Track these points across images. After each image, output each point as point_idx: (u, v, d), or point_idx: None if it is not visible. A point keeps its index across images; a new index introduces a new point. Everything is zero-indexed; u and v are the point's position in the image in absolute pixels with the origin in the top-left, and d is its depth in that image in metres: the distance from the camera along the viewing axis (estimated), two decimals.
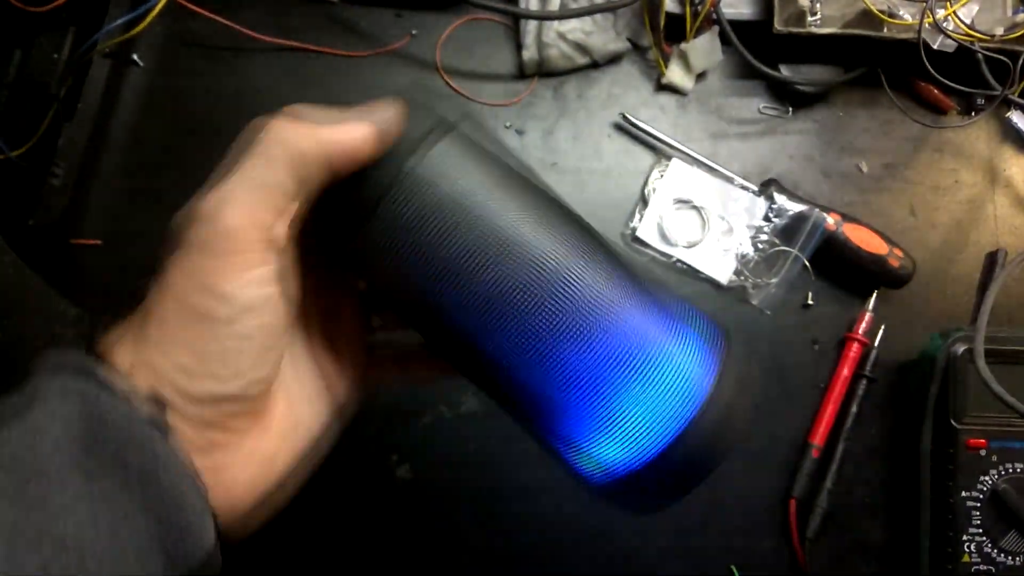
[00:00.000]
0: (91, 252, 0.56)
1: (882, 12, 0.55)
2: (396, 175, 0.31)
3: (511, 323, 0.31)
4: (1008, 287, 0.60)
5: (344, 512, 0.55)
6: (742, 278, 0.58)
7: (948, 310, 0.60)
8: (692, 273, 0.58)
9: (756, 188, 0.59)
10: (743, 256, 0.58)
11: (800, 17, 0.56)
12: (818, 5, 0.56)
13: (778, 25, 0.56)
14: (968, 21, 0.56)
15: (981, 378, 0.47)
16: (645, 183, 0.59)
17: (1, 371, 0.43)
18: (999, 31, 0.56)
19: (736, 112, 0.61)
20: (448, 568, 0.55)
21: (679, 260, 0.58)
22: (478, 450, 0.56)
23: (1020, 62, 0.56)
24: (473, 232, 0.31)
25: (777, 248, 0.58)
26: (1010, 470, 0.53)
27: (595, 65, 0.60)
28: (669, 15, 0.57)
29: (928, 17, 0.54)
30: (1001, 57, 0.56)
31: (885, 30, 0.56)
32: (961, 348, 0.53)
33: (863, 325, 0.58)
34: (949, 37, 0.55)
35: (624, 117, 0.59)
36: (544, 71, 0.59)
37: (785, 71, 0.60)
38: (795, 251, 0.58)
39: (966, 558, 0.53)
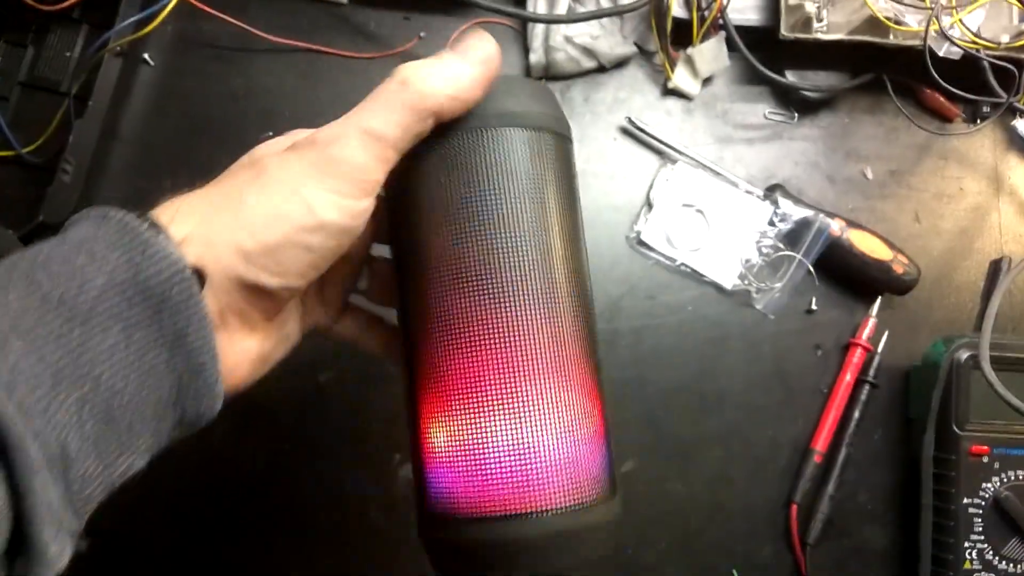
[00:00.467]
0: None
1: (888, 19, 0.55)
2: (488, 125, 0.33)
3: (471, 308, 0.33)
4: (1012, 295, 0.61)
5: (346, 511, 0.55)
6: (746, 282, 0.58)
7: (951, 317, 0.60)
8: (696, 277, 0.59)
9: (761, 193, 0.59)
10: (747, 260, 0.59)
11: (806, 23, 0.56)
12: (824, 11, 0.56)
13: (784, 31, 0.57)
14: (974, 29, 0.56)
15: (987, 381, 0.47)
16: (650, 187, 0.59)
17: None
18: (1005, 39, 0.56)
19: (742, 117, 0.61)
20: None
21: (683, 264, 0.58)
22: None
23: None
24: (504, 220, 0.33)
25: (781, 253, 0.58)
26: (1012, 477, 0.53)
27: (602, 69, 0.60)
28: (676, 20, 0.58)
29: (934, 24, 0.54)
30: (1007, 65, 0.56)
31: (891, 37, 0.56)
32: (965, 355, 0.53)
33: (866, 331, 0.58)
34: (955, 44, 0.55)
35: (630, 121, 0.59)
36: (551, 74, 0.60)
37: (791, 77, 0.60)
38: (799, 256, 0.58)
39: (967, 565, 0.53)
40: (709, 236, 0.59)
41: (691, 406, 0.58)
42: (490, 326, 0.32)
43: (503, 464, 0.31)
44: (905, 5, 0.55)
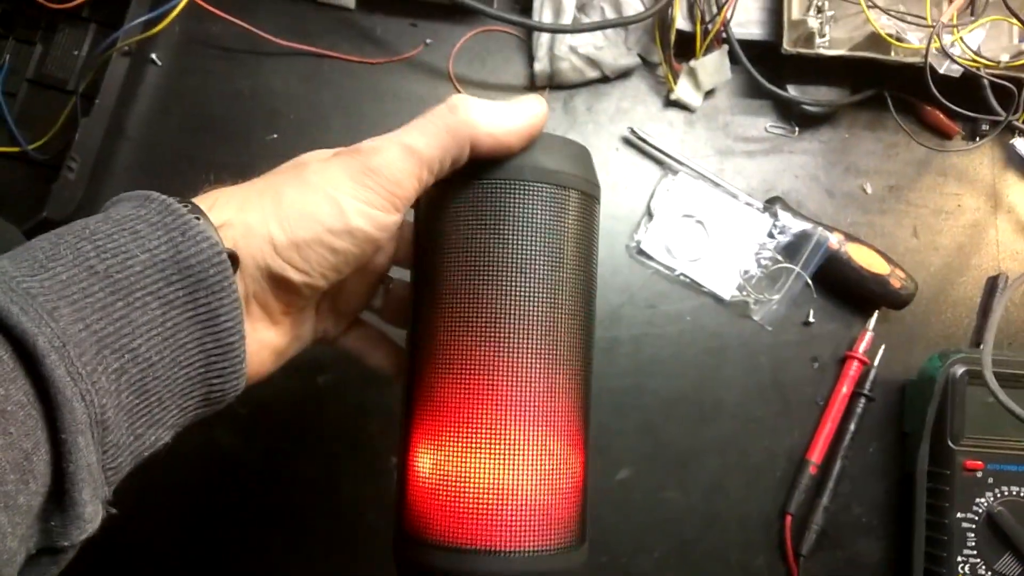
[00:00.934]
0: None
1: (890, 36, 0.56)
2: (521, 178, 0.35)
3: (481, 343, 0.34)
4: (1009, 311, 0.61)
5: (343, 512, 0.55)
6: (744, 293, 0.59)
7: (948, 332, 0.61)
8: (695, 287, 0.59)
9: (761, 205, 0.59)
10: (746, 272, 0.59)
11: (809, 38, 0.57)
12: (827, 27, 0.57)
13: (787, 46, 0.57)
14: (975, 47, 0.56)
15: (991, 391, 0.47)
16: (651, 197, 0.60)
17: None
18: (1005, 58, 0.57)
19: (743, 130, 0.62)
20: None
21: (683, 274, 0.59)
22: None
23: None
24: (516, 268, 0.34)
25: (780, 265, 0.59)
26: (1006, 492, 0.53)
27: (605, 79, 0.60)
28: (680, 32, 0.58)
29: (935, 42, 0.54)
30: (1006, 83, 0.57)
31: (892, 53, 0.57)
32: (960, 370, 0.54)
33: (863, 344, 0.59)
34: (955, 62, 0.55)
35: (632, 131, 0.60)
36: (555, 83, 0.60)
37: (793, 91, 0.61)
38: (798, 268, 0.58)
39: None
40: (709, 247, 0.59)
41: (688, 415, 0.58)
42: (488, 367, 0.34)
43: (480, 500, 0.33)
44: (907, 23, 0.56)
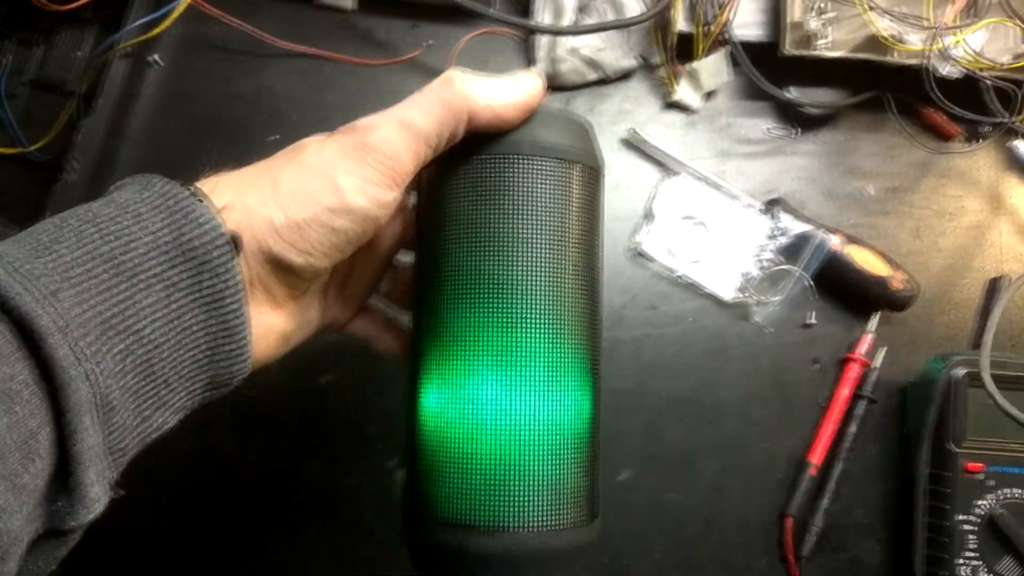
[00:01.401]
0: None
1: (890, 38, 0.55)
2: (520, 152, 0.34)
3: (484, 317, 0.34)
4: (1010, 313, 0.61)
5: (343, 512, 0.55)
6: (745, 295, 0.59)
7: (949, 334, 0.60)
8: (695, 289, 0.59)
9: (761, 207, 0.59)
10: (746, 273, 0.59)
11: (809, 40, 0.57)
12: (827, 29, 0.57)
13: (787, 47, 0.57)
14: (975, 49, 0.56)
15: (988, 394, 0.47)
16: (652, 198, 0.60)
17: None
18: (1005, 60, 0.57)
19: (743, 131, 0.62)
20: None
21: (683, 275, 0.59)
22: None
23: None
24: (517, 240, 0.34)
25: (780, 267, 0.59)
26: (1007, 495, 0.53)
27: (606, 81, 0.60)
28: (680, 34, 0.58)
29: (936, 44, 0.54)
30: (1007, 85, 0.57)
31: (893, 55, 0.57)
32: (962, 372, 0.54)
33: (864, 346, 0.59)
34: (956, 64, 0.55)
35: (633, 133, 0.60)
36: (555, 85, 0.60)
37: (793, 93, 0.61)
38: (798, 270, 0.58)
39: None
40: (709, 248, 0.59)
41: (689, 417, 0.58)
42: (492, 343, 0.33)
43: (488, 478, 0.33)
44: (907, 24, 0.56)
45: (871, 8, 0.55)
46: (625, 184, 0.60)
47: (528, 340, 0.33)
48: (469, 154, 0.35)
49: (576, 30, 0.57)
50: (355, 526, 0.55)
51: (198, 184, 0.31)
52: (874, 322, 0.59)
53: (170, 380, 0.29)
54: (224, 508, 0.55)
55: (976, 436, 0.54)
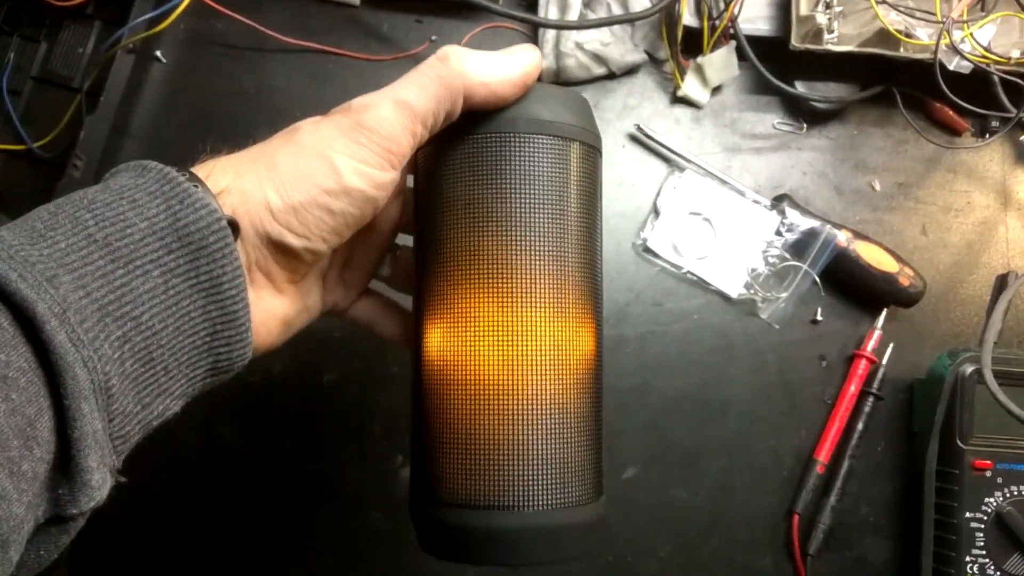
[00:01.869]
0: None
1: (899, 32, 0.55)
2: (517, 130, 0.34)
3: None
4: (1019, 309, 0.61)
5: (346, 511, 0.55)
6: (752, 292, 0.58)
7: (957, 330, 0.60)
8: (702, 285, 0.59)
9: (768, 202, 0.59)
10: (753, 270, 0.59)
11: (817, 34, 0.56)
12: (835, 23, 0.56)
13: (795, 42, 0.57)
14: (985, 43, 0.56)
15: (989, 391, 0.47)
16: (658, 194, 0.59)
17: None
18: (1015, 54, 0.56)
19: (750, 127, 0.61)
20: (449, 570, 0.55)
21: (689, 272, 0.58)
22: None
23: None
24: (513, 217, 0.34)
25: (788, 263, 0.58)
26: (1015, 492, 0.53)
27: (612, 76, 0.60)
28: (687, 29, 0.58)
29: (945, 38, 0.54)
30: (1016, 80, 0.56)
31: (901, 50, 0.57)
32: (969, 368, 0.53)
33: (871, 343, 0.58)
34: (965, 59, 0.55)
35: (639, 128, 0.59)
36: (561, 80, 0.60)
37: (800, 87, 0.60)
38: (805, 266, 0.58)
39: None
40: (715, 245, 0.59)
41: (695, 414, 0.58)
42: (495, 323, 0.33)
43: (492, 456, 0.33)
44: (916, 19, 0.55)
45: (880, 2, 0.54)
46: (630, 180, 0.60)
47: (529, 318, 0.33)
48: (466, 133, 0.34)
49: (582, 24, 0.57)
50: (359, 524, 0.55)
51: (194, 169, 0.31)
52: (881, 319, 0.59)
53: (170, 366, 0.29)
54: (228, 505, 0.55)
55: (984, 433, 0.53)
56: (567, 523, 0.33)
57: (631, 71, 0.61)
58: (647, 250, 0.59)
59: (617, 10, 0.58)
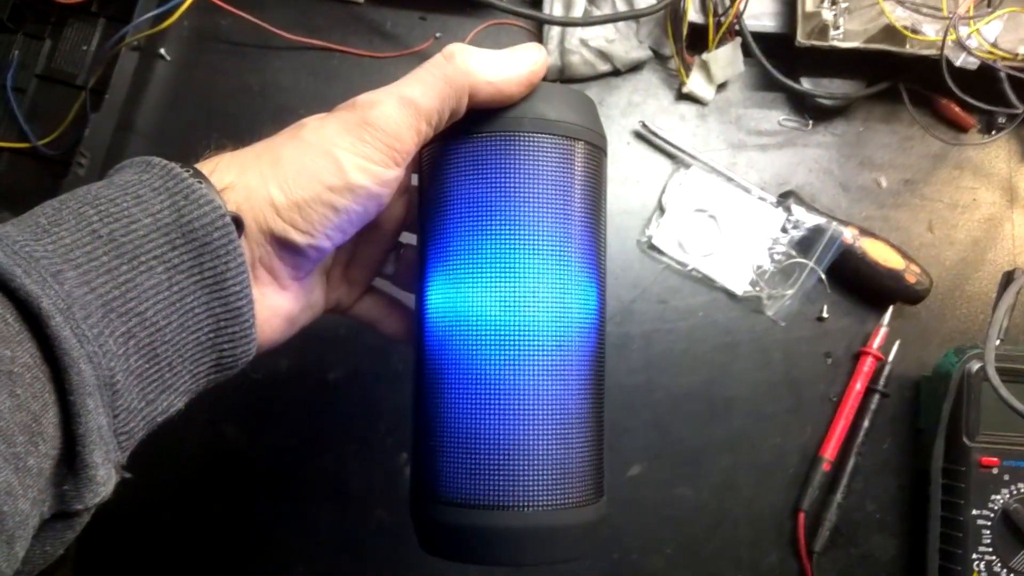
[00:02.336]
0: None
1: (905, 28, 0.55)
2: (522, 129, 0.34)
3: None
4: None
5: (351, 508, 0.55)
6: (757, 289, 0.58)
7: (963, 327, 0.60)
8: (707, 282, 0.58)
9: (774, 199, 0.59)
10: (759, 267, 0.59)
11: (823, 31, 0.56)
12: (841, 19, 0.56)
13: (801, 38, 0.56)
14: (991, 39, 0.56)
15: (994, 389, 0.47)
16: (663, 191, 0.59)
17: None
18: (1022, 50, 0.56)
19: (756, 123, 0.61)
20: (453, 570, 0.55)
21: (695, 269, 0.58)
22: None
23: None
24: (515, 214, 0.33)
25: (793, 260, 0.58)
26: (1022, 489, 0.53)
27: (616, 72, 0.60)
28: (692, 25, 0.58)
29: (951, 34, 0.54)
30: (1023, 76, 0.56)
31: (908, 46, 0.56)
32: (976, 366, 0.53)
33: (878, 340, 0.58)
34: (972, 55, 0.55)
35: (644, 125, 0.59)
36: (566, 77, 0.60)
37: (806, 84, 0.60)
38: (811, 263, 0.58)
39: None
40: (721, 242, 0.59)
41: (700, 412, 0.58)
42: (497, 322, 0.33)
43: (492, 456, 0.33)
44: (922, 15, 0.55)
45: None
46: (635, 177, 0.60)
47: (532, 317, 0.33)
48: (471, 131, 0.34)
49: (587, 21, 0.57)
50: (364, 521, 0.55)
51: (198, 165, 0.31)
52: (887, 316, 0.58)
53: (174, 362, 0.29)
54: (233, 502, 0.55)
55: (990, 430, 0.53)
56: (567, 524, 0.33)
57: (636, 68, 0.60)
58: (652, 247, 0.59)
59: (622, 6, 0.58)
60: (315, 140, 0.32)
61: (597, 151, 0.36)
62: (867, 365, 0.58)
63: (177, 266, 0.28)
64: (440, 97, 0.32)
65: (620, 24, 0.59)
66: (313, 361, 0.56)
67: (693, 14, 0.57)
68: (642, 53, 0.60)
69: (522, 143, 0.34)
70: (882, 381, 0.58)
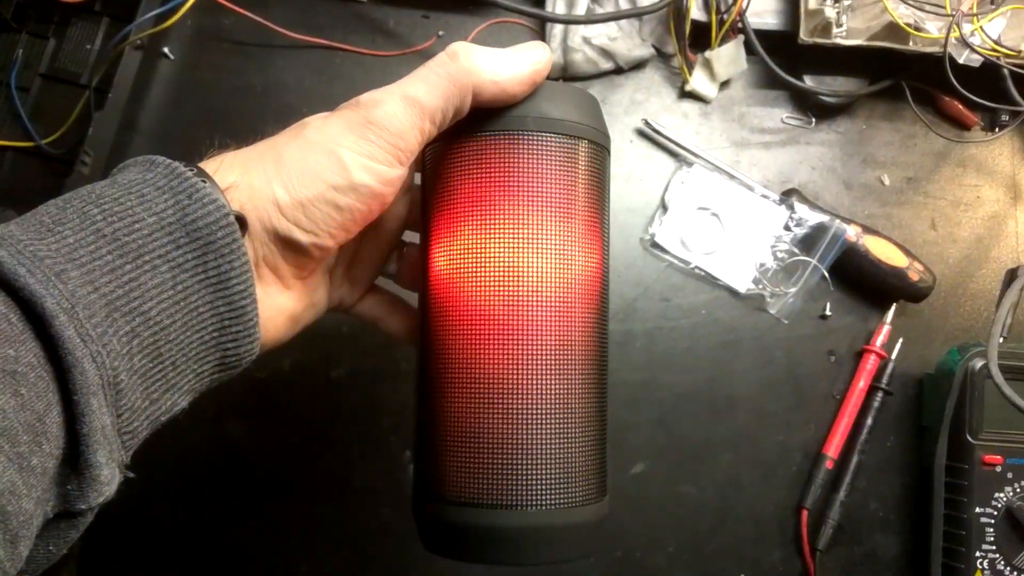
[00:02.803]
0: None
1: (908, 25, 0.55)
2: (525, 128, 0.34)
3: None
4: None
5: (356, 506, 0.55)
6: (760, 287, 0.58)
7: (967, 325, 0.60)
8: (710, 280, 0.58)
9: (777, 197, 0.59)
10: (762, 265, 0.58)
11: (826, 28, 0.56)
12: (844, 17, 0.56)
13: (804, 35, 0.56)
14: (995, 36, 0.56)
15: (996, 386, 0.47)
16: (666, 189, 0.59)
17: None
18: None
19: (759, 121, 0.61)
20: (456, 569, 0.55)
21: (698, 267, 0.58)
22: None
23: None
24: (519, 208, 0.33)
25: (796, 258, 0.58)
26: None
27: (619, 70, 0.60)
28: (695, 23, 0.58)
29: (955, 31, 0.54)
30: None
31: (911, 43, 0.56)
32: (979, 363, 0.53)
33: (881, 338, 0.58)
34: (975, 52, 0.55)
35: (646, 123, 0.59)
36: (569, 75, 0.59)
37: (809, 81, 0.60)
38: (814, 261, 0.58)
39: (978, 574, 0.53)
40: (724, 240, 0.59)
41: (703, 410, 0.58)
42: (499, 322, 0.33)
43: (495, 455, 0.33)
44: (925, 12, 0.55)
45: None
46: (638, 175, 0.60)
47: (535, 318, 0.33)
48: (474, 130, 0.34)
49: (589, 19, 0.57)
50: (368, 519, 0.55)
51: (202, 164, 0.31)
52: (890, 313, 0.58)
53: (178, 361, 0.29)
54: (237, 501, 0.55)
55: (994, 428, 0.53)
56: (569, 523, 0.33)
57: (639, 66, 0.60)
58: (655, 245, 0.59)
59: (625, 4, 0.58)
60: (318, 139, 0.32)
61: (601, 149, 0.36)
62: (870, 363, 0.58)
63: (181, 265, 0.28)
64: (444, 96, 0.32)
65: (623, 22, 0.59)
66: (317, 359, 0.56)
67: (696, 12, 0.57)
68: (645, 51, 0.59)
69: (526, 142, 0.34)
70: (885, 379, 0.58)
